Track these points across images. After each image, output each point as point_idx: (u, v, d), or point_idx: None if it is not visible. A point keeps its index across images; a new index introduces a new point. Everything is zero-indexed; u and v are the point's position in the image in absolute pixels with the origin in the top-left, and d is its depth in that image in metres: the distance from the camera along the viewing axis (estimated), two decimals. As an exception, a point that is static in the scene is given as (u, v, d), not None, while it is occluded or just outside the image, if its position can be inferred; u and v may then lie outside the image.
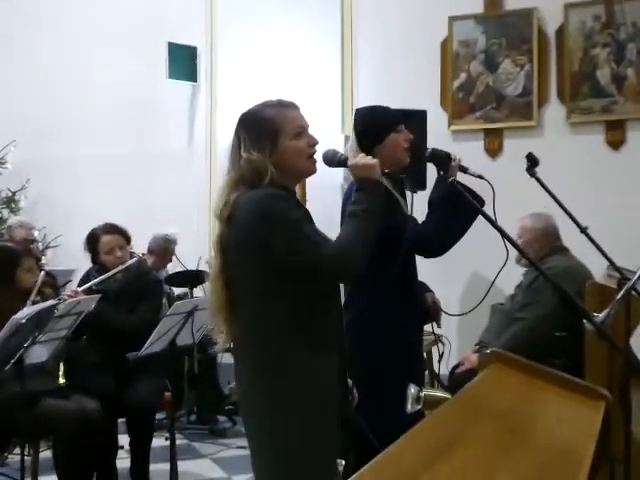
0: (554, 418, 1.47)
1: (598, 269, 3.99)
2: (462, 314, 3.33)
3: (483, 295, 5.46)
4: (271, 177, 2.29)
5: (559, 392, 1.61)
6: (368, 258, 2.31)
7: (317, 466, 2.29)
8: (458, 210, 2.83)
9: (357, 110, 3.37)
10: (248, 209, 2.26)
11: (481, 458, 1.13)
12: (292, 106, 2.44)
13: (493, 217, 2.58)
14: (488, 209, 2.75)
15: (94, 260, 4.37)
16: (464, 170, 2.91)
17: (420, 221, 3.10)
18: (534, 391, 1.59)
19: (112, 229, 4.33)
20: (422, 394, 1.85)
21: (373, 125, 3.08)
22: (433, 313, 3.26)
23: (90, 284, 4.19)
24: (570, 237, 3.30)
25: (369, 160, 2.37)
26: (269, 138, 2.33)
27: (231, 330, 2.38)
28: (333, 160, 2.46)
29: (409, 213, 3.15)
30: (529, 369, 1.67)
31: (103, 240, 4.29)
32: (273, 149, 2.33)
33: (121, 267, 4.25)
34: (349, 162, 2.40)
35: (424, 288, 3.41)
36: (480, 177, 2.80)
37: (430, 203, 3.03)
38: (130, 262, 4.30)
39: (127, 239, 4.40)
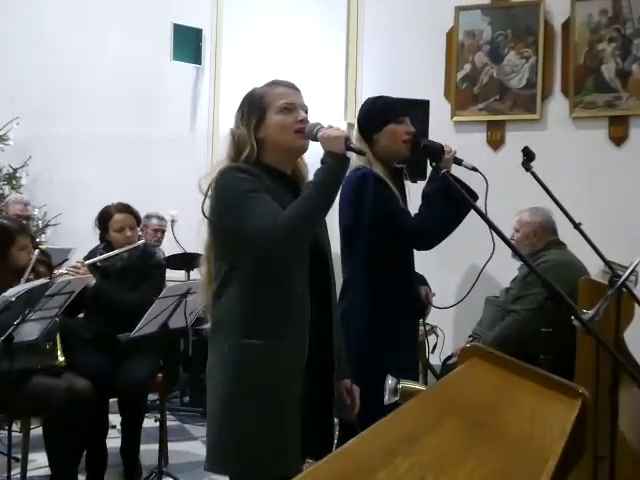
0: (527, 415, 1.46)
1: (597, 265, 3.98)
2: (450, 306, 3.33)
3: (480, 287, 5.47)
4: (250, 152, 2.32)
5: (536, 389, 1.60)
6: (311, 231, 2.30)
7: (267, 452, 2.27)
8: (451, 204, 2.82)
9: (366, 99, 3.38)
10: (215, 184, 2.30)
11: (444, 453, 1.12)
12: (284, 84, 2.44)
13: (484, 210, 2.57)
14: (480, 201, 2.74)
15: (102, 237, 4.42)
16: (459, 162, 2.90)
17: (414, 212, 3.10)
18: (510, 387, 1.58)
19: (125, 209, 4.38)
20: (400, 386, 1.85)
21: (374, 114, 3.08)
22: (422, 307, 3.26)
23: (96, 259, 4.26)
24: (570, 232, 3.30)
25: (334, 131, 2.29)
26: (256, 113, 2.36)
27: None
28: (311, 133, 2.36)
29: (406, 203, 3.14)
30: (507, 364, 1.66)
31: (116, 218, 4.33)
32: (259, 124, 2.35)
33: (128, 247, 4.31)
34: (318, 134, 2.31)
35: (420, 281, 3.40)
36: (474, 169, 2.79)
37: (424, 195, 3.03)
38: (137, 243, 4.36)
39: (138, 221, 4.48)
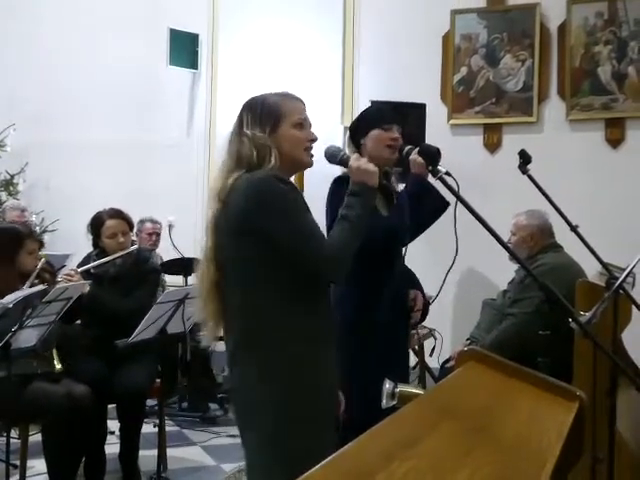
0: (524, 418, 1.46)
1: (594, 267, 3.99)
2: (431, 302, 3.35)
3: (476, 289, 5.48)
4: (274, 160, 2.28)
5: (533, 392, 1.60)
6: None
7: (306, 457, 2.25)
8: (419, 209, 2.87)
9: None
10: (246, 191, 2.23)
11: (442, 457, 1.12)
12: (298, 99, 2.45)
13: (454, 215, 2.63)
14: (452, 206, 2.77)
15: (95, 243, 4.40)
16: None
17: None
18: (507, 390, 1.58)
19: (117, 214, 4.35)
20: (397, 390, 1.85)
21: (362, 119, 3.20)
22: (409, 309, 3.27)
23: (89, 266, 4.24)
24: (567, 234, 3.31)
25: (370, 166, 2.36)
26: (271, 121, 2.33)
27: (218, 316, 2.36)
28: (334, 157, 2.45)
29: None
30: (505, 368, 1.66)
31: (107, 224, 4.31)
32: (273, 132, 2.32)
33: (121, 253, 4.28)
34: (350, 163, 2.39)
35: (415, 285, 3.40)
36: (447, 174, 2.80)
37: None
38: (130, 249, 4.34)
39: (130, 226, 4.45)
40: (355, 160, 2.39)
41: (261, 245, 2.24)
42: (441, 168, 2.74)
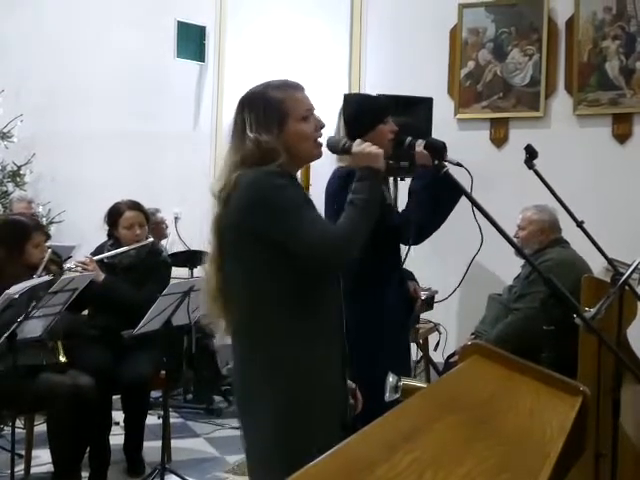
0: (527, 412, 1.47)
1: (600, 263, 3.98)
2: (444, 299, 3.34)
3: (482, 283, 5.48)
4: (281, 160, 2.23)
5: (536, 386, 1.60)
6: (361, 248, 2.27)
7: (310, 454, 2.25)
8: (437, 200, 2.85)
9: (346, 96, 3.35)
10: (245, 188, 2.20)
11: (444, 449, 1.12)
12: (299, 88, 2.37)
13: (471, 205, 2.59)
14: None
15: (110, 234, 4.42)
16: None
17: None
18: (511, 384, 1.58)
19: (136, 206, 4.40)
20: (401, 383, 1.85)
21: (364, 113, 3.07)
22: (412, 300, 3.27)
23: (104, 255, 4.29)
24: (573, 230, 3.30)
25: (374, 149, 2.32)
26: (277, 120, 2.26)
27: (227, 315, 2.34)
28: (337, 147, 2.42)
29: (391, 201, 3.18)
30: (509, 362, 1.66)
31: (126, 215, 4.34)
32: (280, 132, 2.26)
33: (136, 245, 4.32)
34: (353, 149, 2.36)
35: (408, 276, 3.42)
36: (459, 165, 2.78)
37: (410, 192, 3.05)
38: (146, 241, 4.37)
39: (147, 219, 4.48)
40: (357, 145, 2.35)
41: (264, 242, 2.21)
42: (452, 159, 2.73)
